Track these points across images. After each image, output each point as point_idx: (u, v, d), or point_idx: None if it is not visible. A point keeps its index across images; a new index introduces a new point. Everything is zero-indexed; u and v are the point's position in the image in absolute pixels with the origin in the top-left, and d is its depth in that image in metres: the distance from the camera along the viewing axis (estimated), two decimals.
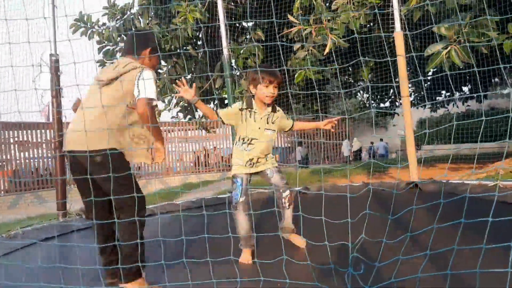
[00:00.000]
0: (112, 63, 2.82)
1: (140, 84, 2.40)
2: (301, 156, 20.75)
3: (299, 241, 3.07)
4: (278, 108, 3.15)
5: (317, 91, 7.32)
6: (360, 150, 22.26)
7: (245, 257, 2.91)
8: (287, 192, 3.07)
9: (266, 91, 2.92)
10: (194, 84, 2.91)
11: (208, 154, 19.98)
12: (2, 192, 15.61)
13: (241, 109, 2.98)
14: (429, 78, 11.72)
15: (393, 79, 8.25)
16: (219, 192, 7.68)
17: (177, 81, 2.81)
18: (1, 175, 15.93)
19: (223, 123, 3.03)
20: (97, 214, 2.40)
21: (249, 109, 2.99)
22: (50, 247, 3.09)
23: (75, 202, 4.32)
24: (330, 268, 1.50)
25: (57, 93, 4.05)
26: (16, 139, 16.41)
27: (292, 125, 3.28)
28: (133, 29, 8.88)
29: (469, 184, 3.94)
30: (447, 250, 1.62)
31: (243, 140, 3.02)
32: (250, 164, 3.03)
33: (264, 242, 3.07)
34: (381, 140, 21.96)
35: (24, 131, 16.46)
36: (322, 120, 3.19)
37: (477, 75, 8.75)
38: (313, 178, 8.99)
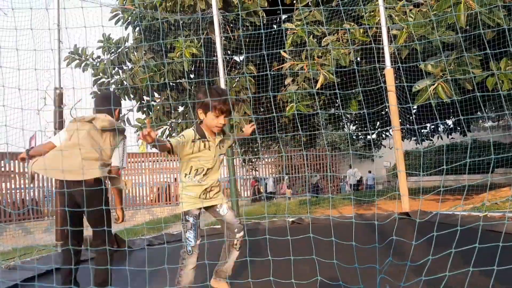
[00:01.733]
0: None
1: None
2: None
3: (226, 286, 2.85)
4: (226, 129, 2.94)
5: (323, 110, 7.52)
6: (360, 180, 22.56)
7: None
8: (242, 233, 2.83)
9: (216, 121, 2.68)
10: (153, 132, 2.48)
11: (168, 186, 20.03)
12: None
13: (194, 140, 2.69)
14: (414, 111, 12.06)
15: (374, 113, 8.50)
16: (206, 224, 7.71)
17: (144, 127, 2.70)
18: None
19: (172, 154, 2.65)
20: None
21: (202, 139, 2.72)
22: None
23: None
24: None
25: (60, 125, 4.16)
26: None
27: (233, 139, 3.08)
28: (127, 62, 9.07)
29: (459, 214, 4.11)
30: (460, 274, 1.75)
31: (197, 172, 2.74)
32: (205, 195, 2.78)
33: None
34: (370, 172, 22.32)
35: (8, 161, 16.33)
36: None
37: (460, 109, 9.05)
38: (302, 208, 9.08)
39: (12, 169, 16.64)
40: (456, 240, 1.78)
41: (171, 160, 19.49)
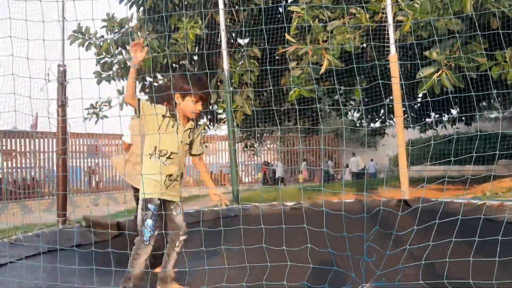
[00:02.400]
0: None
1: None
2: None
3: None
4: (198, 124, 2.92)
5: (327, 104, 7.48)
6: (364, 169, 22.60)
7: None
8: (185, 237, 2.73)
9: (193, 107, 2.66)
10: (146, 48, 2.59)
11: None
12: None
13: (164, 116, 2.65)
14: (419, 100, 11.99)
15: (384, 99, 8.45)
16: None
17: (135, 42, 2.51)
18: None
19: (137, 114, 2.61)
20: None
21: (173, 118, 2.68)
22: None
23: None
24: (348, 255, 1.61)
25: (63, 102, 4.16)
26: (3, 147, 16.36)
27: (199, 154, 2.94)
28: (130, 42, 9.03)
29: (459, 202, 4.11)
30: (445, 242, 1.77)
31: (161, 153, 2.66)
32: (169, 182, 2.70)
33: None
34: (372, 160, 22.37)
35: (10, 140, 16.41)
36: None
37: (466, 98, 8.99)
38: (303, 195, 9.09)
39: (13, 147, 16.73)
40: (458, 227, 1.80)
41: None
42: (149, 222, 2.57)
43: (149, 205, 2.60)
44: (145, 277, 2.58)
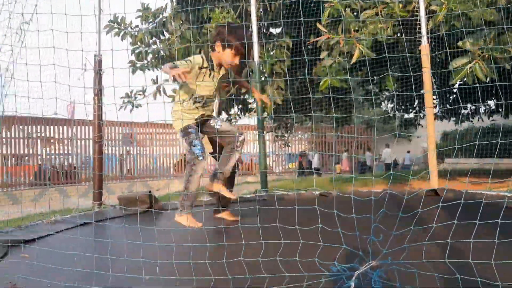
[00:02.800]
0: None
1: None
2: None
3: (230, 193, 2.89)
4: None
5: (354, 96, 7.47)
6: (395, 161, 22.46)
7: (191, 220, 2.71)
8: (243, 136, 2.89)
9: (232, 59, 2.75)
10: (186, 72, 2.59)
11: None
12: (23, 186, 16.12)
13: (200, 68, 2.75)
14: (454, 90, 11.74)
15: (412, 90, 8.35)
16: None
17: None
18: (27, 169, 16.48)
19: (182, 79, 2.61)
20: None
21: (208, 68, 2.78)
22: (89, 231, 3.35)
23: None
24: (356, 235, 1.69)
25: (99, 91, 4.35)
26: (41, 134, 16.98)
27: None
28: (164, 32, 9.20)
29: (486, 193, 4.09)
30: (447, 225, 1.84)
31: (196, 99, 2.81)
32: (200, 119, 2.86)
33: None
34: (408, 152, 22.14)
35: (48, 127, 16.99)
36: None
37: (500, 90, 8.77)
38: (331, 185, 9.11)
39: (52, 134, 17.33)
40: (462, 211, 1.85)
41: None
42: (195, 141, 2.72)
43: (189, 129, 2.77)
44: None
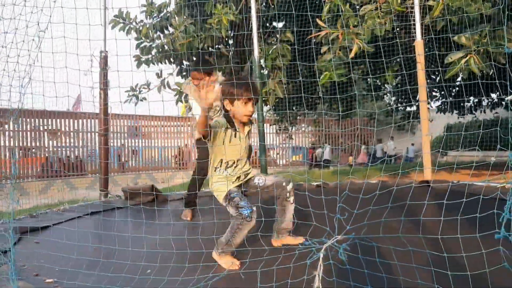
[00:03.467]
0: None
1: None
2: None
3: (296, 240, 2.70)
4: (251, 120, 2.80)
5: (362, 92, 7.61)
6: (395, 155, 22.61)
7: (233, 260, 2.53)
8: (291, 185, 2.71)
9: (244, 109, 2.59)
10: (217, 88, 2.55)
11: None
12: (31, 178, 16.40)
13: (226, 128, 2.64)
14: (457, 84, 11.85)
15: (413, 84, 8.46)
16: None
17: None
18: (34, 162, 16.76)
19: (204, 139, 2.62)
20: None
21: (233, 128, 2.65)
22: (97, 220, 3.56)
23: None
24: (324, 213, 1.98)
25: (105, 85, 4.53)
26: (47, 127, 17.22)
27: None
28: (169, 27, 9.36)
29: (477, 185, 4.25)
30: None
31: (227, 164, 2.69)
32: (237, 181, 2.74)
33: None
34: (412, 144, 22.27)
35: (55, 120, 17.24)
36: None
37: (499, 83, 8.87)
38: (333, 177, 9.30)
39: (59, 127, 17.58)
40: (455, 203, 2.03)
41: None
42: (241, 202, 2.54)
43: (231, 195, 2.59)
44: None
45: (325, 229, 1.89)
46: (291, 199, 2.70)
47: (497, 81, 6.50)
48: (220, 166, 2.69)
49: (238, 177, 2.73)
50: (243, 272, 2.24)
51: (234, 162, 2.69)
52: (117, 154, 18.94)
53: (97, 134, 17.23)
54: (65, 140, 17.89)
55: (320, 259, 1.62)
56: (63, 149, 17.99)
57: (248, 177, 2.79)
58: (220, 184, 2.66)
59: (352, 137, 22.42)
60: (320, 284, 1.58)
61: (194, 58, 3.83)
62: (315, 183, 5.28)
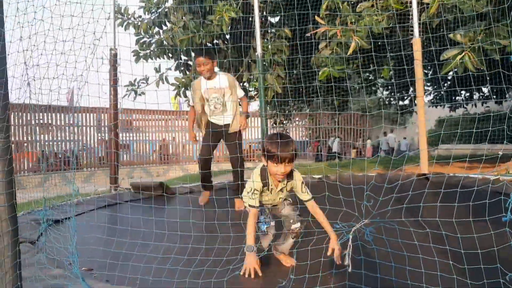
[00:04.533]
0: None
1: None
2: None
3: (290, 260, 2.72)
4: (296, 172, 2.75)
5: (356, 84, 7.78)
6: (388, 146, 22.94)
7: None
8: (297, 224, 2.72)
9: (276, 169, 2.58)
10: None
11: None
12: (27, 172, 16.43)
13: (262, 187, 2.69)
14: (449, 78, 12.10)
15: (406, 78, 8.67)
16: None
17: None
18: (29, 156, 16.78)
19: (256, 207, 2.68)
20: None
21: (264, 182, 2.68)
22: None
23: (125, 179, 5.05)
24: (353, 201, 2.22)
25: (115, 81, 4.67)
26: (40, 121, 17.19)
27: (308, 200, 2.72)
28: (167, 23, 9.46)
29: (473, 177, 4.46)
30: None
31: (264, 205, 2.80)
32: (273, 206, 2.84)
33: None
34: (405, 138, 22.63)
35: (47, 114, 17.22)
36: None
37: (491, 78, 9.11)
38: (330, 170, 9.52)
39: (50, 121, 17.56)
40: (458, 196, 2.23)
41: None
42: (261, 217, 2.66)
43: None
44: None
45: (353, 214, 2.12)
46: (293, 236, 2.72)
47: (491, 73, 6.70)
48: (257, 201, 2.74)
49: (274, 206, 2.83)
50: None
51: (269, 205, 2.81)
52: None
53: (94, 128, 17.30)
54: (60, 135, 17.91)
55: (350, 240, 1.84)
56: (59, 143, 18.01)
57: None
58: (249, 199, 2.71)
59: (346, 132, 22.66)
60: (350, 262, 1.79)
61: (198, 48, 4.14)
62: (317, 177, 5.47)
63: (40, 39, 2.30)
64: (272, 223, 2.69)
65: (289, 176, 2.69)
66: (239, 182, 4.04)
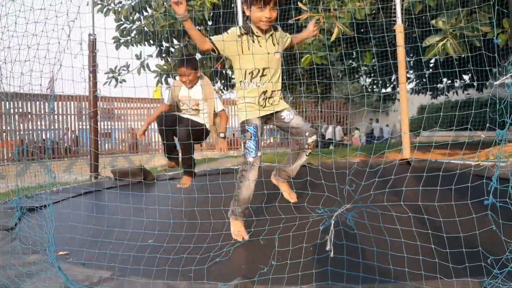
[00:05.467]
0: None
1: None
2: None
3: (291, 195, 2.78)
4: (277, 26, 2.57)
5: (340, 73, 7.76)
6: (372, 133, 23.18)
7: (240, 229, 2.52)
8: (314, 137, 2.60)
9: (260, 14, 2.35)
10: (184, 1, 2.28)
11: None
12: (6, 161, 16.12)
13: (240, 35, 2.41)
14: (431, 65, 12.18)
15: (389, 65, 8.69)
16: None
17: None
18: (9, 145, 16.47)
19: (216, 53, 2.42)
20: None
21: (250, 34, 2.43)
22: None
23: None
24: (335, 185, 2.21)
25: (94, 69, 4.56)
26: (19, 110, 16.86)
27: (291, 40, 2.74)
28: (148, 8, 9.29)
29: (454, 163, 4.50)
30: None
31: (252, 74, 2.46)
32: (264, 99, 2.52)
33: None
34: (387, 125, 22.85)
35: (25, 102, 16.89)
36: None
37: (472, 65, 9.18)
38: (315, 157, 9.54)
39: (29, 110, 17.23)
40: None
41: None
42: (249, 143, 2.43)
43: (246, 127, 2.45)
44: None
45: (335, 199, 2.10)
46: (308, 151, 2.64)
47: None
48: (245, 79, 2.49)
49: (265, 93, 2.52)
50: (262, 238, 2.47)
51: (259, 71, 2.47)
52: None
53: (74, 116, 17.03)
54: (40, 123, 17.59)
55: (331, 225, 1.82)
56: (38, 132, 17.69)
57: (276, 109, 2.60)
58: (243, 103, 2.47)
59: (328, 119, 22.74)
60: (331, 247, 1.77)
61: (180, 56, 3.98)
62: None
63: (11, 20, 2.22)
64: (259, 153, 2.47)
65: (274, 28, 2.53)
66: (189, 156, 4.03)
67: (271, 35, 2.51)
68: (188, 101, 4.23)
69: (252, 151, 2.43)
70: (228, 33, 2.43)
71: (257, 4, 2.33)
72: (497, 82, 1.79)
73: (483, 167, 4.10)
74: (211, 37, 2.42)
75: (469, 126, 2.32)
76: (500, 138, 1.67)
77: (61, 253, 2.44)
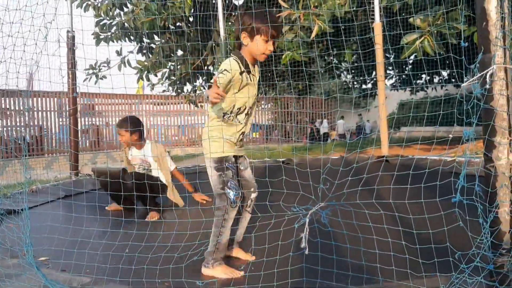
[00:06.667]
0: None
1: None
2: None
3: (246, 255, 2.43)
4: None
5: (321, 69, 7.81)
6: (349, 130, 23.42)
7: (228, 270, 2.21)
8: (256, 194, 2.46)
9: (265, 47, 2.22)
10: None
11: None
12: None
13: (241, 73, 2.22)
14: (410, 62, 12.34)
15: (369, 62, 8.79)
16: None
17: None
18: None
19: (231, 90, 2.24)
20: None
21: (247, 70, 2.26)
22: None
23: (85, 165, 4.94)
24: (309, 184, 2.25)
25: (73, 65, 4.53)
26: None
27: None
28: (128, 4, 9.21)
29: (429, 159, 4.60)
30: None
31: (239, 110, 2.30)
32: (240, 141, 2.40)
33: None
34: (368, 121, 23.10)
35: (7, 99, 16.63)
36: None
37: (450, 62, 9.35)
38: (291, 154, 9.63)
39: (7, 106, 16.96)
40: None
41: (169, 104, 19.91)
42: (232, 182, 2.25)
43: (227, 164, 2.26)
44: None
45: (310, 197, 2.17)
46: (250, 209, 2.46)
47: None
48: (231, 112, 2.31)
49: (243, 133, 2.39)
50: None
51: (245, 109, 2.33)
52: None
53: (54, 113, 16.84)
54: (19, 120, 17.32)
55: (306, 223, 1.88)
56: (17, 129, 17.42)
57: (240, 153, 2.44)
58: (225, 137, 2.29)
59: (310, 116, 22.88)
60: (306, 244, 1.84)
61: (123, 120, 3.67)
62: (280, 160, 5.51)
63: None
64: (240, 192, 2.29)
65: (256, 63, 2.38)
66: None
67: (255, 70, 2.38)
68: (141, 160, 4.07)
69: (235, 191, 2.24)
70: (228, 70, 2.19)
71: (265, 35, 2.20)
72: (464, 84, 1.86)
73: (453, 164, 4.21)
74: (218, 79, 2.18)
75: (444, 122, 2.39)
76: (466, 137, 1.74)
77: (41, 259, 2.45)
